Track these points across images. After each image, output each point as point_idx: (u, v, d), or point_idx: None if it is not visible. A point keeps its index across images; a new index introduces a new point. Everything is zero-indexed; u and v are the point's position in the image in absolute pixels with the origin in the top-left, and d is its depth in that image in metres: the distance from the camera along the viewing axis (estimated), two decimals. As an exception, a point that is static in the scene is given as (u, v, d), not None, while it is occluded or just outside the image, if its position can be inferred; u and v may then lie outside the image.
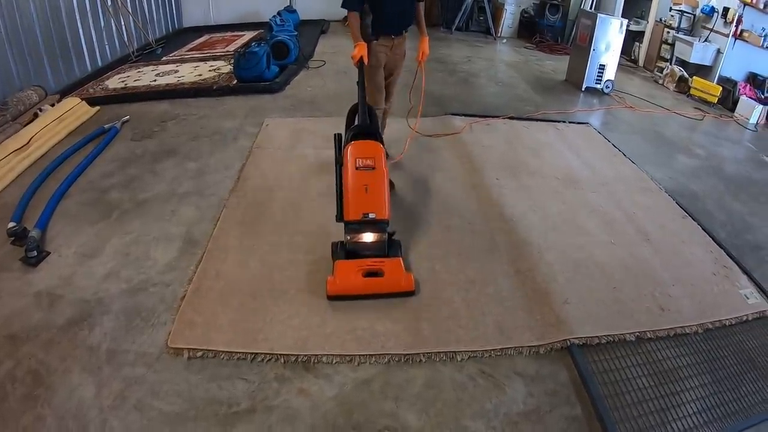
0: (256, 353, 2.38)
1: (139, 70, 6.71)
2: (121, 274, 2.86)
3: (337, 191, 2.93)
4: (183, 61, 7.25)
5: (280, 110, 5.41)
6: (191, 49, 8.08)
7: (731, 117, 6.54)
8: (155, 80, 6.23)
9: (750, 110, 6.39)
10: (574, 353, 2.50)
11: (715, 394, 2.42)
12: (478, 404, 2.25)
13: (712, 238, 3.54)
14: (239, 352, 2.38)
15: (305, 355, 2.39)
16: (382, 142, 3.03)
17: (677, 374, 2.49)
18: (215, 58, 7.36)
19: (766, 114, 6.44)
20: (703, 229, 3.64)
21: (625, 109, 6.40)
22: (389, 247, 2.88)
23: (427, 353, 2.44)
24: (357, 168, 2.84)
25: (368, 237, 2.85)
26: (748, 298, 3.00)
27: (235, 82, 6.07)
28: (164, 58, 7.43)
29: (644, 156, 4.84)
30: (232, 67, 6.30)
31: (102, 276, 2.84)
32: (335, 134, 3.13)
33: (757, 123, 6.32)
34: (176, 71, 6.61)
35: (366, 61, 3.35)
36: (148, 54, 7.59)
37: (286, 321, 2.57)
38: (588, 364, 2.45)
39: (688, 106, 6.83)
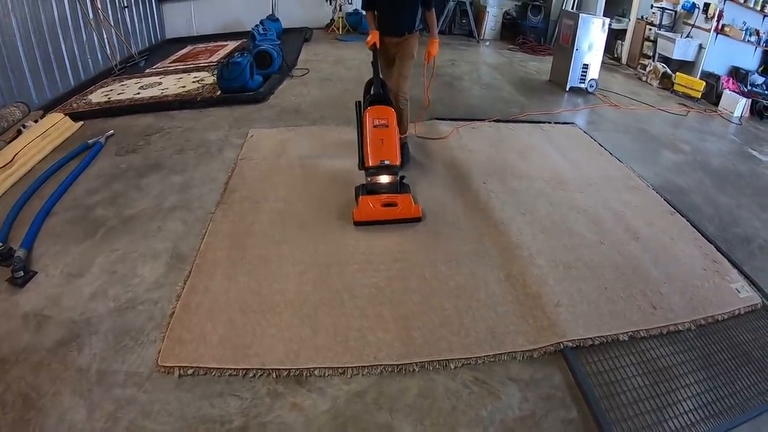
0: (248, 369, 2.35)
1: (122, 83, 6.67)
2: (109, 292, 2.82)
3: (359, 145, 3.69)
4: (166, 72, 7.21)
5: (265, 120, 5.39)
6: (174, 61, 8.03)
7: (715, 111, 6.59)
8: (139, 93, 6.18)
9: (734, 104, 6.45)
10: (568, 356, 2.49)
11: (711, 390, 2.42)
12: (474, 412, 2.23)
13: (701, 234, 3.55)
14: (230, 369, 2.35)
15: (297, 369, 2.36)
16: (393, 106, 3.77)
17: (672, 372, 2.48)
18: (199, 69, 7.33)
19: (749, 107, 6.50)
20: (691, 224, 3.65)
21: (610, 108, 6.43)
22: (400, 186, 3.62)
23: (420, 362, 2.43)
24: (374, 126, 3.59)
25: (384, 178, 3.58)
26: (739, 292, 3.01)
27: (219, 93, 6.04)
28: (148, 71, 7.38)
29: (630, 153, 4.87)
30: (215, 78, 6.26)
31: (89, 295, 2.80)
32: (356, 102, 3.91)
33: (741, 116, 6.38)
34: (160, 83, 6.58)
35: (378, 45, 4.05)
36: (131, 67, 7.55)
37: (276, 334, 2.54)
38: (582, 366, 2.45)
39: (672, 102, 6.88)
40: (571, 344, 2.54)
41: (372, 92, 3.98)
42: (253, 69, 6.19)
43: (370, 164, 3.55)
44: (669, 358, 2.56)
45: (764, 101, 6.58)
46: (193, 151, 4.60)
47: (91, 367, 2.37)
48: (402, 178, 3.69)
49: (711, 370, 2.53)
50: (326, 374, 2.36)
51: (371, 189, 3.58)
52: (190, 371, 2.33)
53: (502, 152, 4.73)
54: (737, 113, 6.38)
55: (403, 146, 4.18)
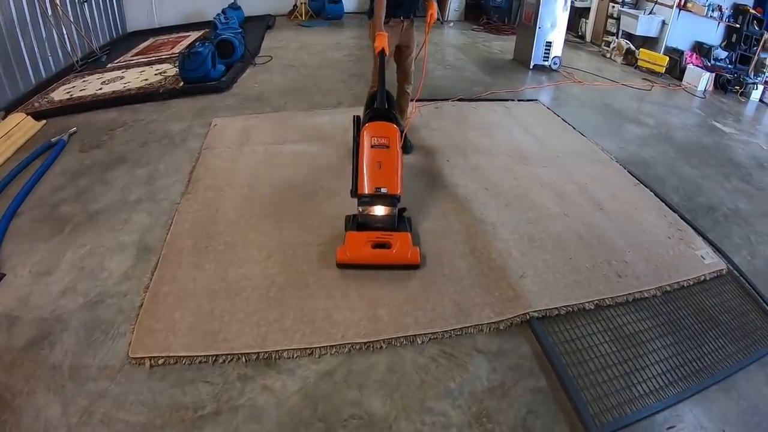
0: (217, 354, 2.34)
1: (84, 79, 6.52)
2: (78, 288, 2.79)
3: (353, 168, 3.12)
4: (129, 66, 7.07)
5: (228, 109, 5.33)
6: (136, 54, 7.88)
7: (679, 86, 6.69)
8: (101, 89, 6.06)
9: (697, 78, 6.55)
10: (534, 326, 2.52)
11: (678, 354, 2.46)
12: (442, 385, 2.25)
13: (665, 204, 3.61)
14: (200, 356, 2.34)
15: (266, 352, 2.36)
16: (398, 124, 3.20)
17: (639, 338, 2.53)
18: (161, 61, 7.21)
19: (713, 81, 6.58)
20: (655, 195, 3.71)
21: (574, 84, 6.49)
22: (398, 222, 3.06)
23: (387, 339, 2.44)
24: (372, 146, 3.05)
25: (379, 210, 3.03)
26: (704, 259, 3.06)
27: (181, 84, 5.95)
28: (109, 65, 7.21)
29: (594, 128, 4.91)
30: (177, 69, 6.17)
31: (59, 292, 2.76)
32: (354, 116, 3.34)
33: (705, 90, 6.47)
34: (122, 77, 6.45)
35: (387, 52, 3.53)
36: (93, 62, 7.36)
37: (244, 319, 2.53)
38: (549, 336, 2.48)
39: (636, 77, 6.98)
40: (536, 314, 2.57)
41: (376, 105, 3.38)
42: (215, 58, 6.11)
43: (365, 191, 3.00)
44: (636, 325, 2.60)
45: (728, 75, 6.69)
46: (157, 143, 4.54)
47: (63, 363, 2.34)
48: (402, 211, 3.15)
49: (678, 334, 2.57)
50: (295, 355, 2.37)
51: (363, 222, 3.05)
52: (160, 361, 2.32)
53: (465, 130, 4.75)
54: (701, 87, 6.48)
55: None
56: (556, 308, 2.62)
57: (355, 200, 3.07)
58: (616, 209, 3.49)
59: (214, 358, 2.33)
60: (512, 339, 2.49)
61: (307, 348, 2.39)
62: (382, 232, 2.97)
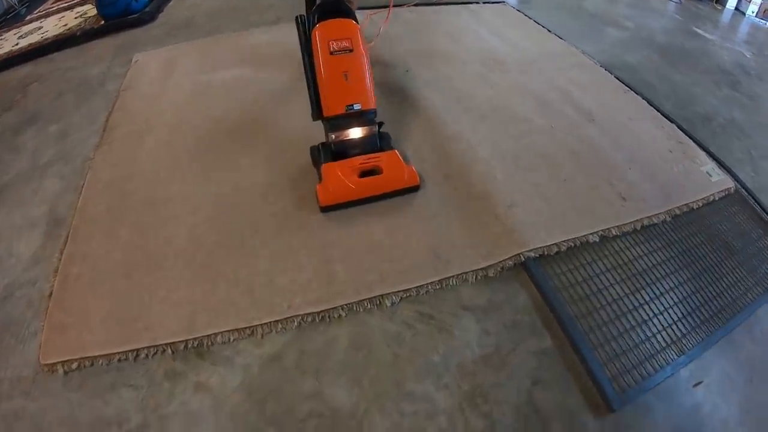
0: (138, 349, 1.80)
1: (1, 38, 5.65)
2: (-19, 284, 2.18)
3: (309, 85, 2.40)
4: (48, 14, 6.19)
5: (154, 41, 4.59)
6: (57, 0, 6.91)
7: (652, -11, 6.18)
8: (18, 44, 5.23)
9: (672, -18, 6.05)
10: (531, 269, 2.00)
11: (697, 291, 2.04)
12: (422, 358, 1.76)
13: (660, 112, 3.09)
14: (118, 353, 1.80)
15: (195, 339, 1.82)
16: (355, 18, 2.43)
17: (653, 275, 2.08)
18: (82, 2, 6.29)
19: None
20: (648, 103, 3.18)
21: (542, -15, 5.86)
22: (380, 140, 2.46)
23: (347, 304, 1.90)
24: (331, 53, 2.32)
25: (356, 132, 2.40)
26: (710, 176, 2.59)
27: (102, 23, 5.15)
28: (29, 17, 6.32)
29: (570, 31, 4.36)
30: (96, 7, 5.33)
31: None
32: (296, 17, 2.47)
33: (680, -5, 6.00)
34: (40, 27, 5.61)
35: None
36: (12, 18, 6.46)
37: (167, 297, 1.95)
38: (550, 280, 1.97)
39: (606, -21, 6.40)
40: (533, 254, 2.04)
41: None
42: (136, -12, 5.28)
43: (332, 113, 2.36)
44: (648, 258, 2.14)
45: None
46: (73, 92, 3.82)
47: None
48: (380, 125, 2.50)
49: (693, 267, 2.14)
50: (231, 339, 1.84)
51: (338, 150, 2.40)
52: (74, 365, 1.79)
53: (428, 37, 4.06)
54: (676, -8, 6.01)
55: None
56: (555, 244, 2.08)
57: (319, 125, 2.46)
58: (609, 119, 2.94)
59: (134, 354, 1.80)
60: (505, 288, 1.97)
61: (246, 327, 1.84)
62: (365, 155, 2.38)
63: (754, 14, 5.47)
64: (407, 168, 2.33)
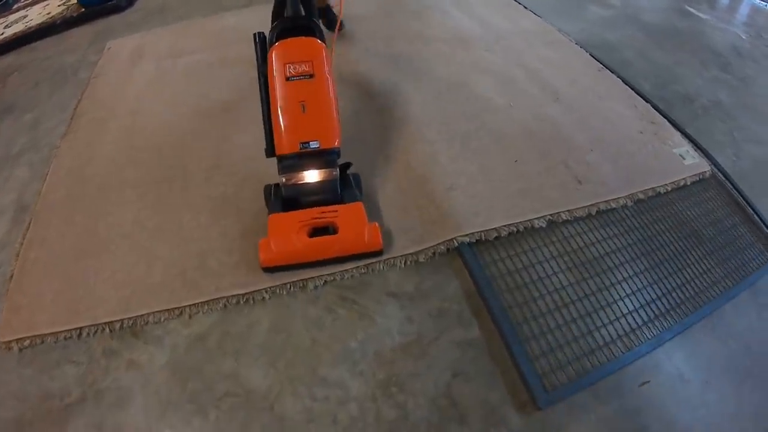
0: (81, 327, 1.85)
1: None
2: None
3: (263, 115, 2.01)
4: (35, 2, 6.14)
5: (129, 28, 4.56)
6: None
7: (647, -34, 5.95)
8: (3, 33, 5.19)
9: (666, -43, 5.80)
10: (465, 255, 1.87)
11: (655, 282, 1.90)
12: (340, 344, 1.71)
13: (635, 92, 2.91)
14: (63, 331, 1.86)
15: (131, 318, 1.85)
16: (322, 37, 2.04)
17: (605, 263, 1.94)
18: None
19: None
20: (623, 81, 2.99)
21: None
22: (343, 188, 2.04)
23: (270, 287, 1.84)
24: (287, 78, 1.95)
25: (311, 176, 1.99)
26: (684, 158, 2.42)
27: (82, 10, 5.13)
28: (15, 6, 6.27)
29: (549, 8, 4.16)
30: None
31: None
32: (254, 34, 2.08)
33: (674, -27, 5.76)
34: (25, 16, 5.59)
35: None
36: (1, 7, 6.41)
37: (109, 279, 1.96)
38: (484, 268, 1.84)
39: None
40: (467, 239, 1.91)
41: (287, 12, 2.11)
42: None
43: (284, 150, 1.94)
44: (601, 245, 2.00)
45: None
46: (48, 81, 3.82)
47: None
48: (346, 167, 2.11)
49: (654, 256, 2.00)
50: (163, 319, 1.86)
51: (290, 196, 2.00)
52: (26, 342, 1.86)
53: (392, 16, 3.88)
54: (670, -32, 5.77)
55: (328, 9, 2.98)
56: (494, 228, 1.95)
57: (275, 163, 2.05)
58: (576, 98, 2.77)
59: (78, 332, 1.85)
60: (435, 275, 1.86)
61: (175, 308, 1.85)
62: (321, 207, 1.98)
63: (756, -5, 5.17)
64: (369, 227, 1.92)
